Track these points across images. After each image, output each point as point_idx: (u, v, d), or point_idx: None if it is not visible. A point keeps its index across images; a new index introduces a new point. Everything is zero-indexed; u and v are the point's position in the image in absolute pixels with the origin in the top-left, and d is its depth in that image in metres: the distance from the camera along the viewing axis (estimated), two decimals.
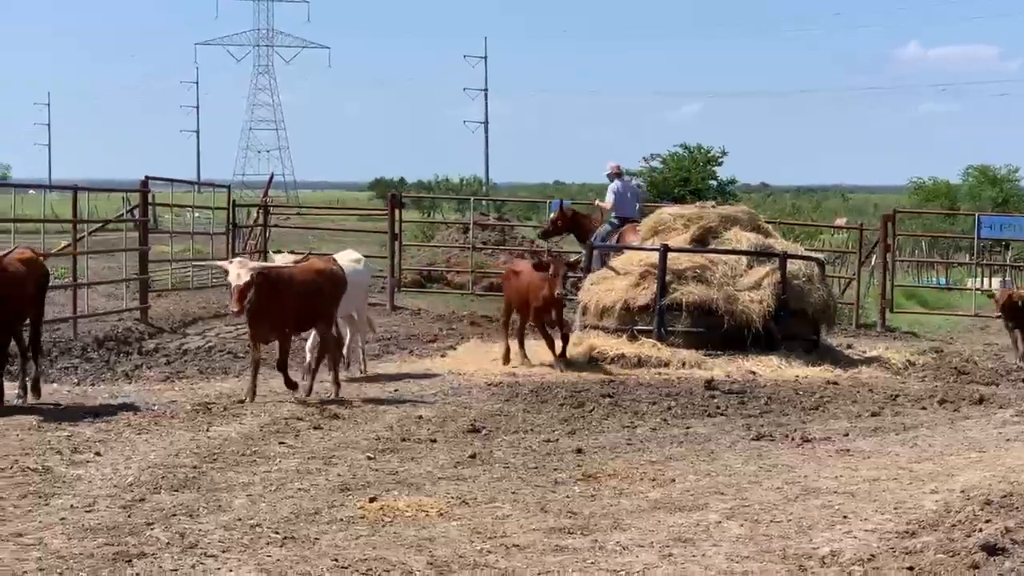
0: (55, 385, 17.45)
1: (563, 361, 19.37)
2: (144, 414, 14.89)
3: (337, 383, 16.77)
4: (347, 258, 18.47)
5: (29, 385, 15.93)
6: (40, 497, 10.72)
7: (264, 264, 16.24)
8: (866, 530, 9.96)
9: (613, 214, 24.99)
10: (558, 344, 19.59)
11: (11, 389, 15.83)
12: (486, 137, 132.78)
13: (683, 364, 19.75)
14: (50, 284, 24.39)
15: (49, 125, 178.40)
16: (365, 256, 20.09)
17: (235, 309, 15.45)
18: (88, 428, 13.95)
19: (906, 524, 10.01)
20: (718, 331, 20.47)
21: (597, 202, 25.70)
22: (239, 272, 15.35)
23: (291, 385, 16.12)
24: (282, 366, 16.15)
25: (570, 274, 20.56)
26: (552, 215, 26.54)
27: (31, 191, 47.98)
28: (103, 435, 13.57)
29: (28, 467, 11.81)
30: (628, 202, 25.26)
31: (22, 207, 29.39)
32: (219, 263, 16.55)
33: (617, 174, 25.29)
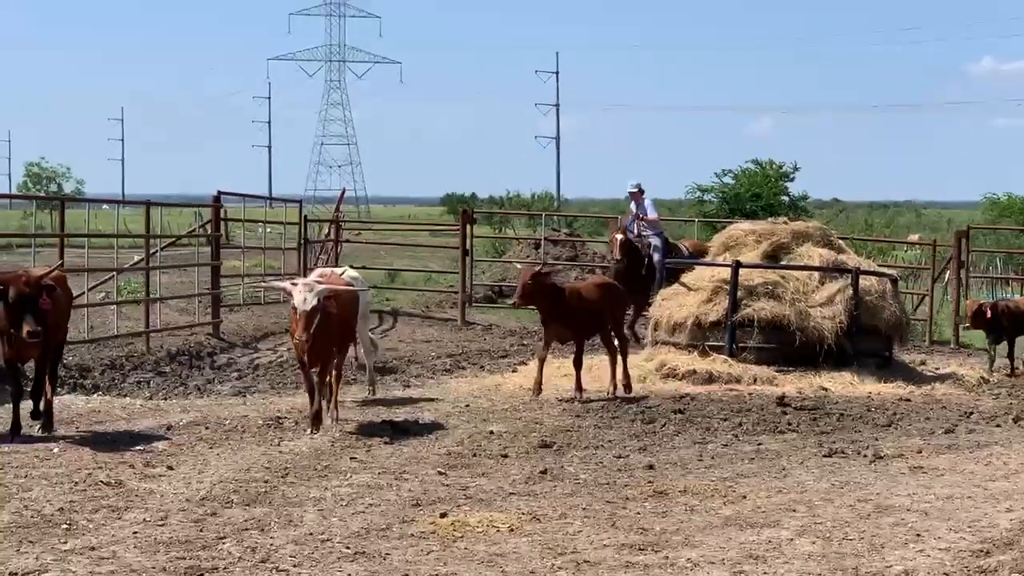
0: (128, 399, 17.59)
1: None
2: (216, 428, 14.99)
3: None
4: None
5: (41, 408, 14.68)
6: (113, 511, 10.79)
7: (328, 285, 15.21)
8: (940, 548, 9.88)
9: (655, 230, 25.17)
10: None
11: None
12: (557, 152, 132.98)
13: (754, 380, 19.62)
14: (124, 298, 24.79)
15: (123, 140, 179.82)
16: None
17: (303, 338, 14.49)
18: (161, 442, 14.05)
19: (980, 543, 9.94)
20: (790, 347, 20.33)
21: (645, 217, 25.59)
22: (305, 297, 14.55)
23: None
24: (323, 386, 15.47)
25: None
26: (620, 238, 25.35)
27: (105, 206, 48.70)
28: (175, 449, 13.67)
29: (101, 481, 11.90)
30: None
31: (96, 222, 29.73)
32: (282, 285, 15.66)
33: (642, 191, 25.45)
